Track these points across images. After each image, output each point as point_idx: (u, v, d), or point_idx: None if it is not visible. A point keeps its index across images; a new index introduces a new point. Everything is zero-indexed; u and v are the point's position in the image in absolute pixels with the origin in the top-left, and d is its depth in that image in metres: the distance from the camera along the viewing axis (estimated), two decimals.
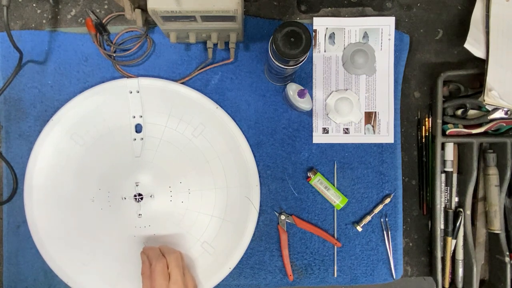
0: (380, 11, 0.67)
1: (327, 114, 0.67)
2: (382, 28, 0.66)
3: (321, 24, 0.66)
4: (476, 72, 0.63)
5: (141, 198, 0.65)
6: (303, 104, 0.61)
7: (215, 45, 0.65)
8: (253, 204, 0.65)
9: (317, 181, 0.66)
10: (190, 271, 0.65)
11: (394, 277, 0.67)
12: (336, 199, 0.66)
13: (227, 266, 0.65)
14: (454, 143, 0.67)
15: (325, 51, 0.67)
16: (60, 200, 0.65)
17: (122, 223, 0.65)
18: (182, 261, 0.61)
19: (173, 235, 0.65)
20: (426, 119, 0.67)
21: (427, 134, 0.67)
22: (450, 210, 0.66)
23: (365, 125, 0.67)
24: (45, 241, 0.65)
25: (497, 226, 0.64)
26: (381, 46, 0.66)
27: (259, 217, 0.67)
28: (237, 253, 0.65)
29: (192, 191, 0.66)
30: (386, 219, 0.67)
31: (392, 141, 0.67)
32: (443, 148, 0.66)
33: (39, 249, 0.65)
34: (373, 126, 0.67)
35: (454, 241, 0.66)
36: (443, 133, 0.65)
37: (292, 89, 0.60)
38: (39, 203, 0.65)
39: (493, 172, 0.65)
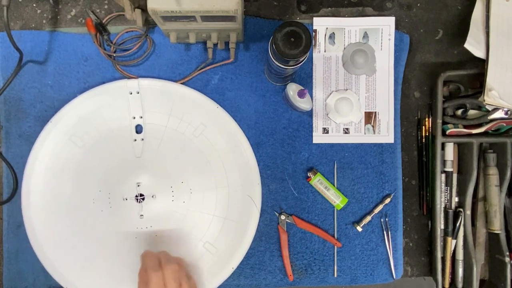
0: (380, 11, 0.67)
1: (327, 114, 0.67)
2: (382, 28, 0.66)
3: (321, 24, 0.66)
4: (476, 72, 0.63)
5: (143, 199, 0.65)
6: (303, 104, 0.61)
7: (215, 45, 0.65)
8: (255, 203, 0.65)
9: (317, 181, 0.66)
10: (193, 275, 0.64)
11: (394, 277, 0.67)
12: (336, 199, 0.66)
13: (230, 266, 0.65)
14: (454, 143, 0.67)
15: (325, 51, 0.67)
16: (60, 203, 0.65)
17: (123, 224, 0.65)
18: (181, 271, 0.57)
19: (175, 235, 0.65)
20: (426, 119, 0.67)
21: (427, 134, 0.67)
22: (450, 210, 0.66)
23: (365, 125, 0.67)
24: (43, 245, 0.64)
25: (497, 226, 0.64)
26: (381, 46, 0.66)
27: (259, 217, 0.66)
28: (240, 252, 0.65)
29: (193, 191, 0.66)
30: (386, 219, 0.67)
31: (392, 141, 0.67)
32: (443, 148, 0.66)
33: (36, 253, 0.64)
34: (373, 126, 0.67)
35: (454, 241, 0.66)
36: (443, 133, 0.65)
37: (292, 89, 0.60)
38: (37, 207, 0.64)
39: (493, 172, 0.65)
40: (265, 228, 0.67)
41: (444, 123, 0.65)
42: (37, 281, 0.66)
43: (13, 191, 0.65)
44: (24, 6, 0.67)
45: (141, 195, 0.65)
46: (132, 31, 0.66)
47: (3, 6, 0.58)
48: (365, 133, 0.67)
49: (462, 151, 0.67)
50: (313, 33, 0.67)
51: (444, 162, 0.67)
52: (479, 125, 0.64)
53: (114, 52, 0.66)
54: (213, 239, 0.65)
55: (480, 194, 0.67)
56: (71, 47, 0.66)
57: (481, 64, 0.61)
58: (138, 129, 0.66)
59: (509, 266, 0.64)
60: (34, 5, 0.67)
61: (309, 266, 0.67)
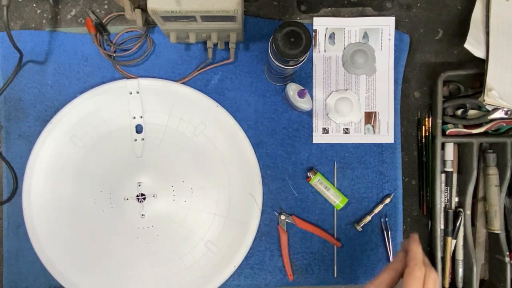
0: (380, 11, 0.67)
1: (327, 114, 0.67)
2: (382, 28, 0.66)
3: (321, 24, 0.66)
4: (476, 72, 0.63)
5: (144, 198, 0.65)
6: (303, 104, 0.61)
7: (215, 45, 0.65)
8: (256, 201, 0.65)
9: (317, 181, 0.66)
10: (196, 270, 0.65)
11: None
12: (336, 199, 0.66)
13: (232, 264, 0.65)
14: (454, 143, 0.67)
15: (325, 51, 0.67)
16: (60, 203, 0.65)
17: (124, 224, 0.65)
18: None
19: (176, 235, 0.65)
20: (426, 119, 0.67)
21: (427, 134, 0.67)
22: (450, 210, 0.66)
23: (365, 125, 0.67)
24: (44, 245, 0.65)
25: (497, 226, 0.64)
26: (381, 46, 0.66)
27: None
28: (241, 251, 0.66)
29: (194, 190, 0.66)
30: (386, 219, 0.67)
31: (392, 141, 0.67)
32: (443, 148, 0.66)
33: (37, 253, 0.65)
34: (373, 126, 0.67)
35: (454, 241, 0.66)
36: (443, 133, 0.65)
37: (292, 89, 0.60)
38: (38, 207, 0.65)
39: (493, 172, 0.65)
40: (265, 228, 0.67)
41: (444, 123, 0.65)
42: (37, 281, 0.66)
43: (13, 191, 0.65)
44: (24, 6, 0.67)
45: (142, 194, 0.65)
46: (132, 31, 0.66)
47: (3, 6, 0.58)
48: (365, 133, 0.67)
49: (462, 151, 0.67)
50: (313, 33, 0.67)
51: (444, 162, 0.67)
52: (479, 125, 0.64)
53: (114, 52, 0.66)
54: (215, 238, 0.65)
55: (480, 194, 0.67)
56: (71, 47, 0.66)
57: (481, 64, 0.61)
58: (138, 129, 0.66)
59: (509, 266, 0.64)
60: (34, 5, 0.67)
61: (309, 266, 0.67)
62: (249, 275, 0.67)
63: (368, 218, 0.66)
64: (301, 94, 0.59)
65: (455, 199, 0.67)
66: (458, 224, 0.66)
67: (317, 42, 0.66)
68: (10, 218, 0.66)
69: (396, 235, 0.67)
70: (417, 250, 0.51)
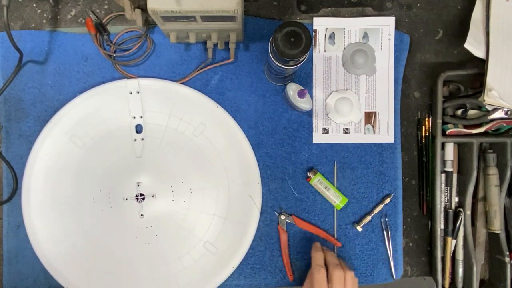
0: (380, 11, 0.67)
1: (327, 114, 0.67)
2: (382, 28, 0.66)
3: (321, 24, 0.66)
4: (476, 72, 0.63)
5: (143, 198, 0.65)
6: (303, 104, 0.61)
7: (215, 45, 0.65)
8: (255, 202, 0.65)
9: (317, 181, 0.66)
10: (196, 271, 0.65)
11: (394, 277, 0.67)
12: (336, 199, 0.66)
13: (230, 265, 0.65)
14: (454, 143, 0.67)
15: (325, 51, 0.67)
16: (60, 203, 0.65)
17: (123, 224, 0.65)
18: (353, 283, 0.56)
19: (175, 235, 0.65)
20: (426, 119, 0.67)
21: (427, 134, 0.67)
22: (450, 210, 0.66)
23: (365, 125, 0.67)
24: (43, 245, 0.65)
25: (497, 226, 0.64)
26: (381, 46, 0.66)
27: (259, 217, 0.66)
28: (240, 252, 0.65)
29: (194, 191, 0.66)
30: (386, 219, 0.67)
31: (392, 141, 0.67)
32: (443, 148, 0.66)
33: (36, 253, 0.65)
34: (373, 126, 0.67)
35: (454, 241, 0.66)
36: (443, 133, 0.65)
37: (292, 89, 0.60)
38: (37, 207, 0.65)
39: (493, 172, 0.65)
40: (265, 228, 0.67)
41: (444, 123, 0.65)
42: (37, 281, 0.66)
43: (13, 191, 0.65)
44: (24, 6, 0.67)
45: (141, 194, 0.65)
46: (132, 31, 0.66)
47: (3, 6, 0.58)
48: (365, 133, 0.67)
49: (462, 151, 0.67)
50: (313, 33, 0.67)
51: (444, 162, 0.67)
52: (479, 125, 0.64)
53: (114, 52, 0.66)
54: (214, 239, 0.65)
55: (480, 194, 0.67)
56: (71, 47, 0.66)
57: (481, 64, 0.61)
58: (138, 129, 0.66)
59: (509, 266, 0.64)
60: (34, 5, 0.67)
61: (309, 266, 0.67)
62: (249, 275, 0.67)
63: (368, 218, 0.66)
64: (301, 94, 0.59)
65: (455, 199, 0.67)
66: (458, 224, 0.66)
67: (317, 42, 0.66)
68: (10, 218, 0.66)
69: (396, 235, 0.67)
70: (316, 255, 0.57)
